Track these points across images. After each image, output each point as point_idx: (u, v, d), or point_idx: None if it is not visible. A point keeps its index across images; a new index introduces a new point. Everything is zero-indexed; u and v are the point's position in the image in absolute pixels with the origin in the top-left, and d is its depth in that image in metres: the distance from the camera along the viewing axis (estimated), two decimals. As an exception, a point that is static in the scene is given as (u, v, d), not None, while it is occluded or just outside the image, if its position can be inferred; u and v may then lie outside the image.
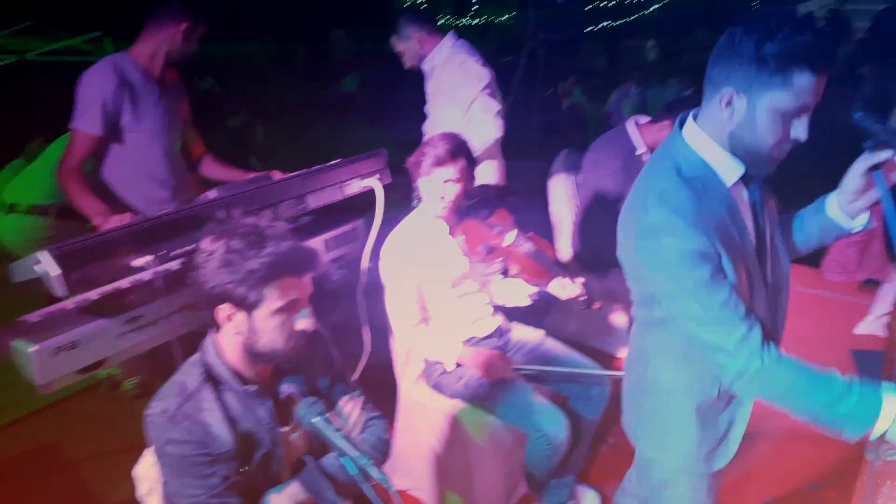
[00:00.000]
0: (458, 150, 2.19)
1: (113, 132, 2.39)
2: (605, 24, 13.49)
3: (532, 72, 7.50)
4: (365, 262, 2.37)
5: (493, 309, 2.47)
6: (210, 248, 1.33)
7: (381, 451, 1.57)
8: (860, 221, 1.43)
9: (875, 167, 1.31)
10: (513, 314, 2.55)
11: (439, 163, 2.17)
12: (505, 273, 2.51)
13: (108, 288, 1.80)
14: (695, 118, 1.34)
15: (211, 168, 2.79)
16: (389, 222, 2.33)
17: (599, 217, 3.20)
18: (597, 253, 3.28)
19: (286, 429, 1.48)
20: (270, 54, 11.35)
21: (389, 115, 6.89)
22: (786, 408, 1.26)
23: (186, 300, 1.93)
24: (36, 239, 2.96)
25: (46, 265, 1.67)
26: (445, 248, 2.32)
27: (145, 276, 1.83)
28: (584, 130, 6.66)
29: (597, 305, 2.40)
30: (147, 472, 1.51)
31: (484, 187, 3.06)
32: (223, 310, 1.34)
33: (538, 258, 2.42)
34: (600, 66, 10.53)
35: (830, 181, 1.46)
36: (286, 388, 1.47)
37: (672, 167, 1.29)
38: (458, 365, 2.28)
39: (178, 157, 2.64)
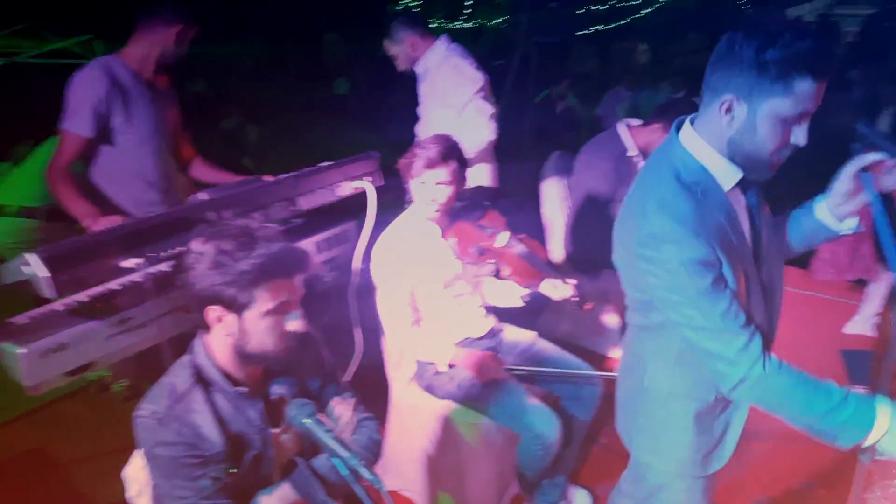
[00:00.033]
0: (450, 152, 2.19)
1: (103, 134, 2.38)
2: (597, 27, 13.55)
3: (524, 75, 7.53)
4: (357, 264, 2.37)
5: (485, 310, 2.47)
6: (200, 249, 1.33)
7: (373, 452, 1.57)
8: (849, 225, 1.43)
9: (864, 169, 1.31)
10: (505, 315, 2.55)
11: (430, 165, 2.17)
12: (497, 274, 2.51)
13: (98, 290, 1.79)
14: (692, 123, 1.33)
15: (201, 170, 2.79)
16: (382, 224, 2.33)
17: (591, 218, 3.21)
18: (588, 254, 3.29)
19: (277, 430, 1.48)
20: (262, 57, 11.34)
21: (383, 117, 6.90)
22: (782, 415, 1.26)
23: (176, 302, 1.93)
24: (25, 241, 2.94)
25: (35, 267, 1.66)
26: (437, 249, 2.32)
27: (135, 277, 1.82)
28: (576, 133, 6.68)
29: (588, 306, 2.41)
30: (137, 474, 1.50)
31: (476, 189, 3.07)
32: (213, 311, 1.34)
33: (530, 259, 2.43)
34: (592, 70, 10.57)
35: (819, 183, 1.47)
36: (277, 390, 1.46)
37: (671, 173, 1.28)
38: (451, 366, 2.28)
39: (168, 159, 2.64)
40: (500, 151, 3.26)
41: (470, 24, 14.21)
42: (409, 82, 3.36)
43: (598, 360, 3.31)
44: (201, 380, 1.39)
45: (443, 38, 3.12)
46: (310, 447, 1.51)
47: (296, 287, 1.38)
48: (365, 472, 1.25)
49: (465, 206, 2.54)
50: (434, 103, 3.11)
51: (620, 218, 1.40)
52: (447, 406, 2.29)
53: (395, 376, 2.46)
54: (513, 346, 2.45)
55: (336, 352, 1.69)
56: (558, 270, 2.48)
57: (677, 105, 3.31)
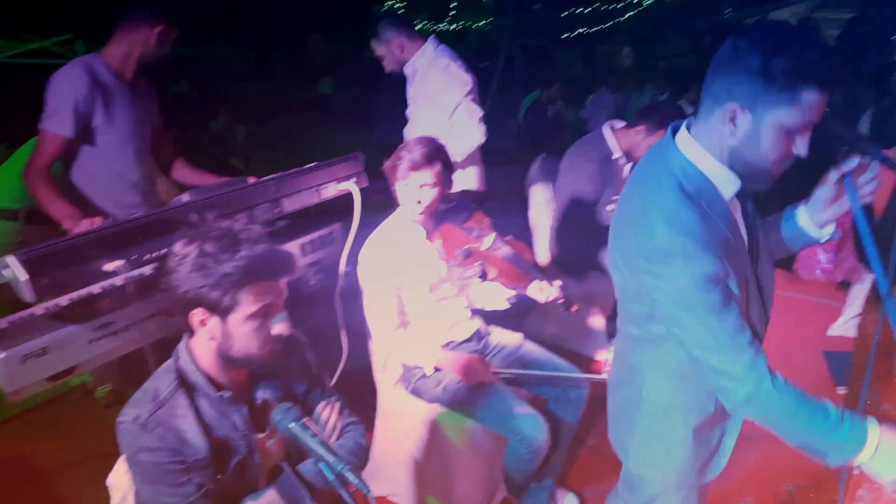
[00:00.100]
0: (434, 154, 2.18)
1: (83, 134, 2.35)
2: (581, 30, 13.62)
3: (509, 77, 7.55)
4: (342, 267, 2.35)
5: (471, 312, 2.47)
6: (183, 251, 1.31)
7: (360, 457, 1.56)
8: (828, 232, 1.44)
9: (846, 175, 1.32)
10: (491, 317, 2.55)
11: (415, 167, 2.16)
12: (483, 277, 2.51)
13: (79, 293, 1.76)
14: (688, 129, 1.30)
15: (183, 172, 2.76)
16: (369, 226, 2.32)
17: (576, 221, 3.22)
18: (574, 256, 3.30)
19: (262, 435, 1.46)
20: (248, 57, 11.27)
21: (368, 118, 6.88)
22: (779, 432, 1.26)
23: (159, 305, 1.90)
24: (4, 244, 2.89)
25: (14, 270, 1.62)
26: (423, 252, 2.31)
27: (117, 280, 1.79)
28: (562, 135, 6.70)
29: (575, 308, 2.41)
30: (120, 480, 1.48)
31: (462, 192, 3.06)
32: (197, 315, 1.32)
33: (516, 262, 2.43)
34: (576, 72, 10.62)
35: (799, 185, 1.48)
36: (261, 394, 1.44)
37: (673, 182, 1.24)
38: (437, 369, 2.27)
39: (150, 160, 2.61)
40: (486, 153, 3.26)
41: (454, 26, 14.22)
42: (394, 83, 3.35)
43: (585, 363, 3.31)
44: (185, 384, 1.38)
45: (431, 40, 3.11)
46: (296, 452, 1.50)
47: (280, 289, 1.36)
48: (351, 477, 1.24)
49: (450, 208, 2.53)
50: (423, 105, 3.09)
51: (618, 227, 1.37)
52: (434, 410, 2.28)
53: (381, 380, 2.45)
54: (499, 349, 2.44)
55: (322, 355, 1.68)
56: (544, 273, 2.48)
57: (661, 107, 3.34)
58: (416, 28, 3.24)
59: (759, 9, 12.90)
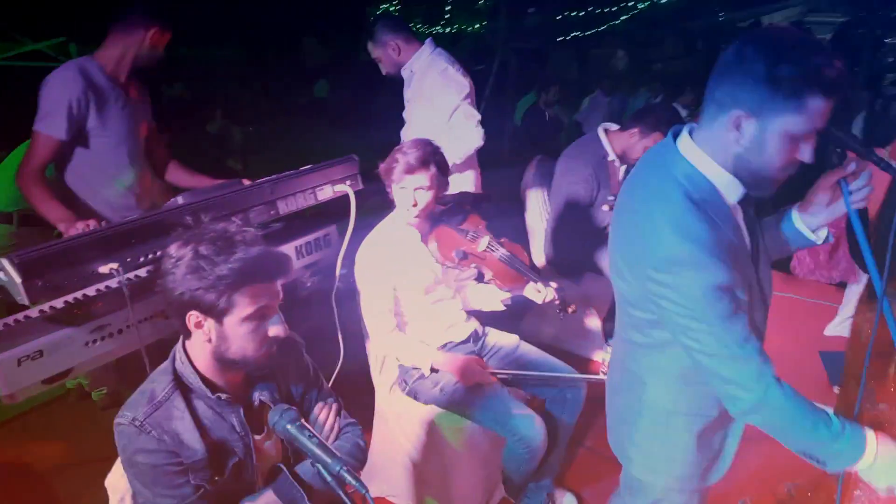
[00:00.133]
0: (429, 157, 2.18)
1: (77, 137, 2.34)
2: (575, 34, 13.65)
3: (504, 80, 7.56)
4: (338, 268, 2.35)
5: (466, 314, 2.47)
6: (178, 253, 1.30)
7: (357, 458, 1.55)
8: (822, 235, 1.45)
9: (840, 177, 1.32)
10: (488, 319, 2.55)
11: (410, 170, 2.16)
12: (480, 278, 2.51)
13: (74, 296, 1.75)
14: (690, 134, 1.29)
15: (177, 174, 2.75)
16: (365, 228, 2.31)
17: (572, 222, 3.23)
18: (570, 257, 3.31)
19: (259, 437, 1.46)
20: (242, 60, 11.27)
21: (362, 121, 6.88)
22: (782, 438, 1.26)
23: (155, 308, 1.89)
24: (-1, 247, 2.88)
25: (8, 273, 1.62)
26: (418, 254, 2.31)
27: (112, 283, 1.79)
28: (558, 138, 6.71)
29: (571, 309, 2.41)
30: (118, 482, 1.47)
31: (458, 194, 3.06)
32: (193, 317, 1.32)
33: (511, 263, 2.43)
34: (571, 75, 10.65)
35: (795, 187, 1.48)
36: (258, 396, 1.44)
37: (679, 190, 1.22)
38: (435, 370, 2.27)
39: (144, 162, 2.60)
40: (480, 156, 3.26)
41: (448, 30, 14.24)
42: (389, 86, 3.35)
43: (582, 363, 3.32)
44: (181, 386, 1.37)
45: (428, 43, 3.11)
46: (293, 453, 1.50)
47: (276, 291, 1.36)
48: (349, 478, 1.23)
49: (446, 211, 2.53)
50: (420, 107, 3.08)
51: (621, 234, 1.36)
52: (431, 411, 2.27)
53: (379, 381, 2.44)
54: (496, 350, 2.44)
55: (319, 357, 1.67)
56: (541, 274, 2.49)
57: (654, 110, 3.35)
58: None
59: (753, 11, 12.98)
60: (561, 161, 3.35)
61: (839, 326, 3.66)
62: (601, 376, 1.69)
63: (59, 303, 1.74)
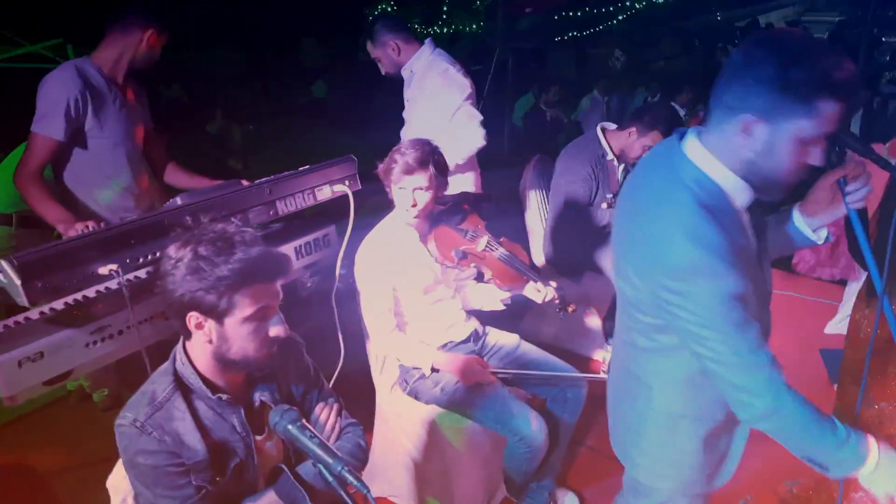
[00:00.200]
0: (428, 157, 2.17)
1: (75, 137, 2.34)
2: (572, 33, 13.65)
3: (502, 80, 7.56)
4: (338, 269, 2.35)
5: (466, 314, 2.47)
6: (177, 255, 1.30)
7: (359, 458, 1.55)
8: (822, 235, 1.44)
9: (839, 177, 1.32)
10: (488, 318, 2.55)
11: (409, 171, 2.16)
12: (479, 278, 2.51)
13: (74, 297, 1.75)
14: (697, 136, 1.27)
15: (175, 175, 2.75)
16: (365, 228, 2.31)
17: (571, 221, 3.23)
18: (570, 257, 3.31)
19: (260, 437, 1.45)
20: (241, 61, 11.27)
21: (361, 121, 6.89)
22: (788, 444, 1.27)
23: (155, 309, 1.89)
24: (-2, 248, 2.87)
25: (8, 275, 1.61)
26: (418, 254, 2.31)
27: (112, 284, 1.78)
28: (557, 137, 6.72)
29: (571, 309, 2.41)
30: (119, 483, 1.47)
31: (461, 194, 3.06)
32: (193, 318, 1.32)
33: (511, 262, 2.43)
34: (569, 75, 10.65)
35: (797, 187, 1.48)
36: (259, 396, 1.44)
37: (690, 197, 1.21)
38: (435, 370, 2.27)
39: (142, 163, 2.59)
40: (480, 156, 3.26)
41: (446, 30, 14.23)
42: (387, 86, 3.34)
43: (583, 362, 3.32)
44: (182, 387, 1.37)
45: (428, 43, 3.10)
46: (294, 454, 1.49)
47: (276, 292, 1.36)
48: (351, 478, 1.23)
49: (445, 210, 2.53)
50: (421, 107, 3.07)
51: (628, 238, 1.34)
52: (432, 411, 2.27)
53: (379, 381, 2.44)
54: (497, 350, 2.44)
55: (319, 357, 1.67)
56: (540, 273, 2.49)
57: (651, 109, 3.36)
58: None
59: (749, 10, 13.01)
60: (560, 160, 3.35)
61: (839, 324, 3.66)
62: (602, 375, 1.68)
63: (59, 304, 1.74)
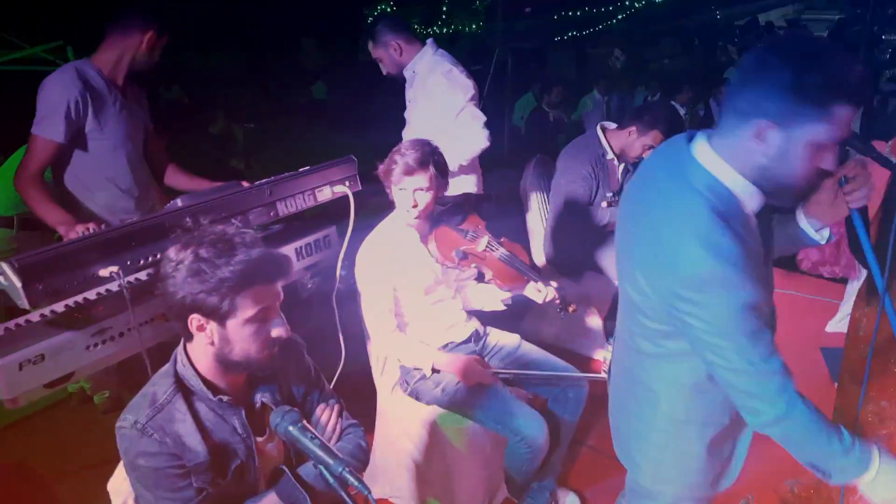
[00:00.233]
0: (428, 157, 2.17)
1: (75, 139, 2.34)
2: (572, 33, 13.66)
3: (502, 80, 7.56)
4: (339, 270, 2.35)
5: (467, 314, 2.47)
6: (177, 257, 1.30)
7: (360, 459, 1.55)
8: (825, 234, 1.44)
9: (841, 176, 1.31)
10: (489, 319, 2.55)
11: (409, 171, 2.15)
12: (480, 278, 2.51)
13: (74, 299, 1.75)
14: (707, 140, 1.25)
15: (175, 177, 2.74)
16: (366, 229, 2.31)
17: (572, 221, 3.23)
18: (570, 256, 3.31)
19: (261, 439, 1.45)
20: (240, 62, 11.27)
21: (367, 121, 6.89)
22: (794, 450, 1.26)
23: (156, 311, 1.89)
24: (-1, 251, 2.88)
25: (8, 277, 1.61)
26: (418, 255, 2.31)
27: (112, 286, 1.78)
28: (557, 137, 6.73)
29: (572, 308, 2.41)
30: (120, 485, 1.47)
31: (463, 195, 3.06)
32: (194, 320, 1.31)
33: (511, 263, 2.43)
34: (569, 75, 10.66)
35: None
36: (260, 398, 1.44)
37: (704, 204, 1.18)
38: (436, 371, 2.27)
39: (142, 165, 2.59)
40: (480, 156, 3.26)
41: (446, 30, 14.23)
42: (387, 86, 3.34)
43: (583, 362, 3.32)
44: (183, 389, 1.37)
45: (430, 43, 3.09)
46: (295, 455, 1.49)
47: (277, 293, 1.36)
48: (352, 480, 1.23)
49: (445, 211, 2.53)
50: (423, 108, 3.06)
51: (634, 241, 1.33)
52: (433, 411, 2.27)
53: (380, 382, 2.44)
54: (498, 350, 2.44)
55: (320, 358, 1.67)
56: (541, 273, 2.49)
57: (651, 108, 3.36)
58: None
59: (749, 8, 13.01)
60: (561, 160, 3.35)
61: (840, 323, 3.66)
62: (603, 375, 1.68)
63: (59, 306, 1.74)
